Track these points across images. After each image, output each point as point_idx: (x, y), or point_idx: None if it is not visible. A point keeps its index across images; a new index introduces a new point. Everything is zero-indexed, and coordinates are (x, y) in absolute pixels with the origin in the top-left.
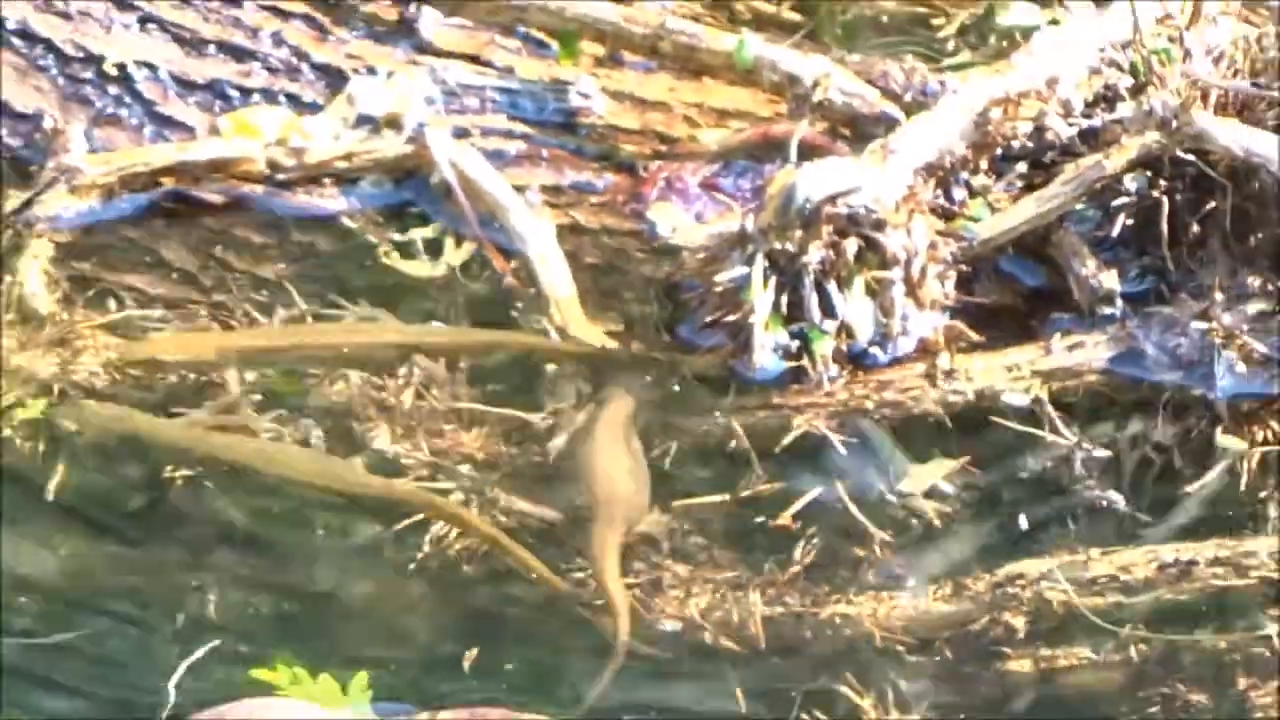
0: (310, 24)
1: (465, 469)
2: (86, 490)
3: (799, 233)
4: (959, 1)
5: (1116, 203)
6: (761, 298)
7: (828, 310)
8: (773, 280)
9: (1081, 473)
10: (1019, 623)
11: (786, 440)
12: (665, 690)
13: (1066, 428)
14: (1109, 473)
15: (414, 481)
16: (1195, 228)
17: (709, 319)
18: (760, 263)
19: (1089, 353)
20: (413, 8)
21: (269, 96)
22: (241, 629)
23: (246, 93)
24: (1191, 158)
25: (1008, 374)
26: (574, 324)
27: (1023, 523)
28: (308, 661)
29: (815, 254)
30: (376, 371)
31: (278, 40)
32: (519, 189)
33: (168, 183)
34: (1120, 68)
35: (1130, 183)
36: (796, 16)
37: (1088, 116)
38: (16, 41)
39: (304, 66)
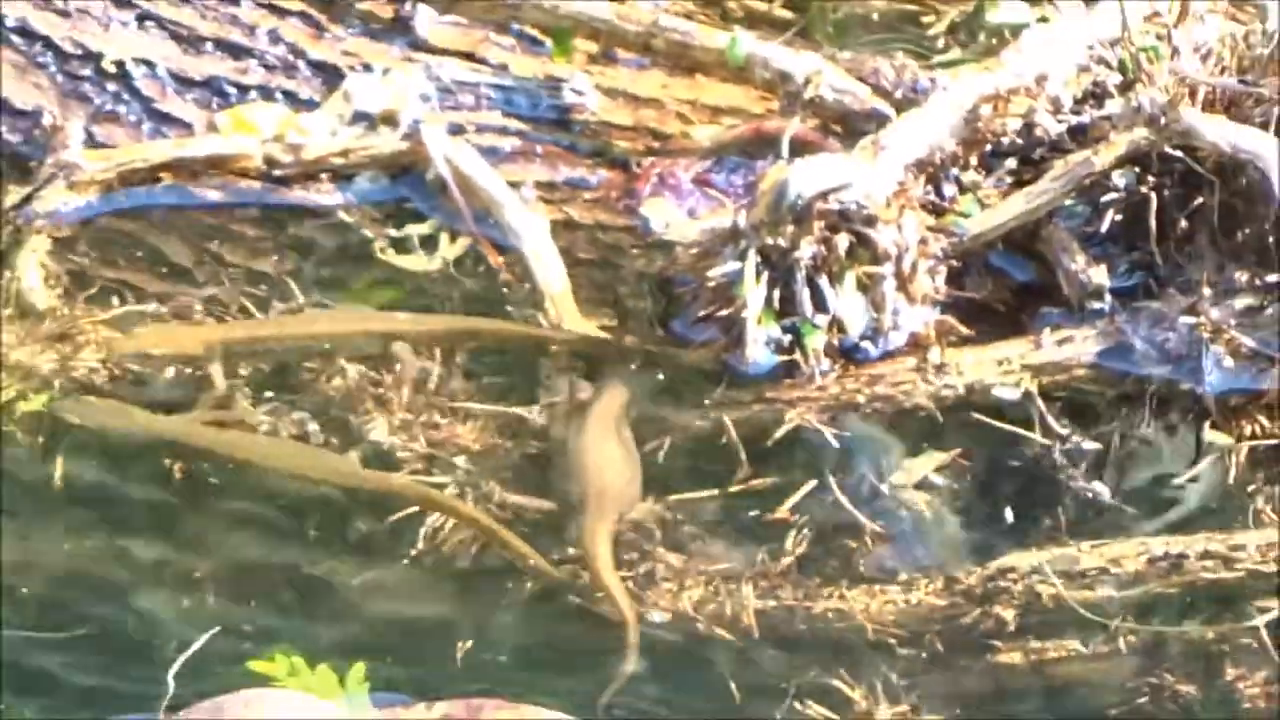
0: (307, 21)
1: (461, 461)
2: (86, 484)
3: (791, 228)
4: None
5: (1105, 199)
6: (754, 293)
7: (819, 305)
8: (765, 275)
9: (1071, 466)
10: (1009, 615)
11: (779, 434)
12: (659, 681)
13: (1056, 421)
14: (1098, 466)
15: (409, 475)
16: (1183, 223)
17: (702, 314)
18: (753, 258)
19: (1078, 347)
20: (408, 5)
21: (266, 93)
22: (240, 621)
23: (244, 89)
24: (1179, 154)
25: (998, 368)
26: (568, 319)
27: (1012, 516)
28: (305, 653)
29: (807, 249)
30: (365, 361)
31: (274, 38)
32: (513, 185)
33: (166, 178)
34: (1109, 65)
35: (1119, 179)
36: (788, 14)
37: (1077, 113)
38: (16, 39)
39: (300, 64)
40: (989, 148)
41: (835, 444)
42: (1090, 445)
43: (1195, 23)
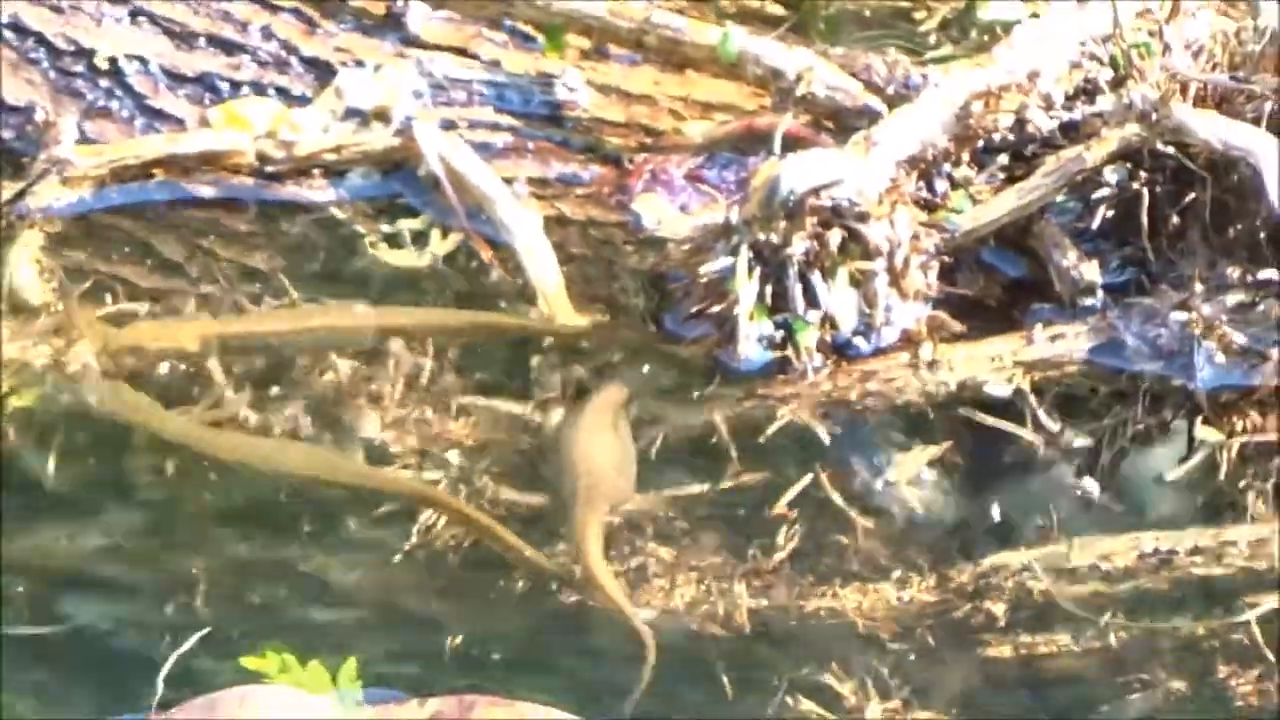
0: (299, 18)
1: (453, 456)
2: (81, 480)
3: (783, 224)
4: None
5: (1097, 195)
6: (746, 288)
7: (812, 301)
8: (757, 271)
9: (1062, 462)
10: (1000, 610)
11: (771, 430)
12: (651, 675)
13: (1048, 417)
14: (1089, 462)
15: (403, 469)
16: (1175, 219)
17: (694, 310)
18: (745, 254)
19: (1070, 343)
20: (400, 2)
21: (258, 89)
22: (232, 617)
23: (236, 85)
24: (1171, 150)
25: (990, 364)
26: (561, 314)
27: (1004, 512)
28: (297, 649)
29: (799, 245)
30: (357, 356)
31: (267, 34)
32: (506, 181)
33: (159, 174)
34: (1100, 61)
35: (1110, 175)
36: (780, 10)
37: (1068, 109)
38: (9, 35)
39: (293, 60)
40: (981, 144)
41: (827, 440)
42: (1082, 442)
43: (1186, 19)
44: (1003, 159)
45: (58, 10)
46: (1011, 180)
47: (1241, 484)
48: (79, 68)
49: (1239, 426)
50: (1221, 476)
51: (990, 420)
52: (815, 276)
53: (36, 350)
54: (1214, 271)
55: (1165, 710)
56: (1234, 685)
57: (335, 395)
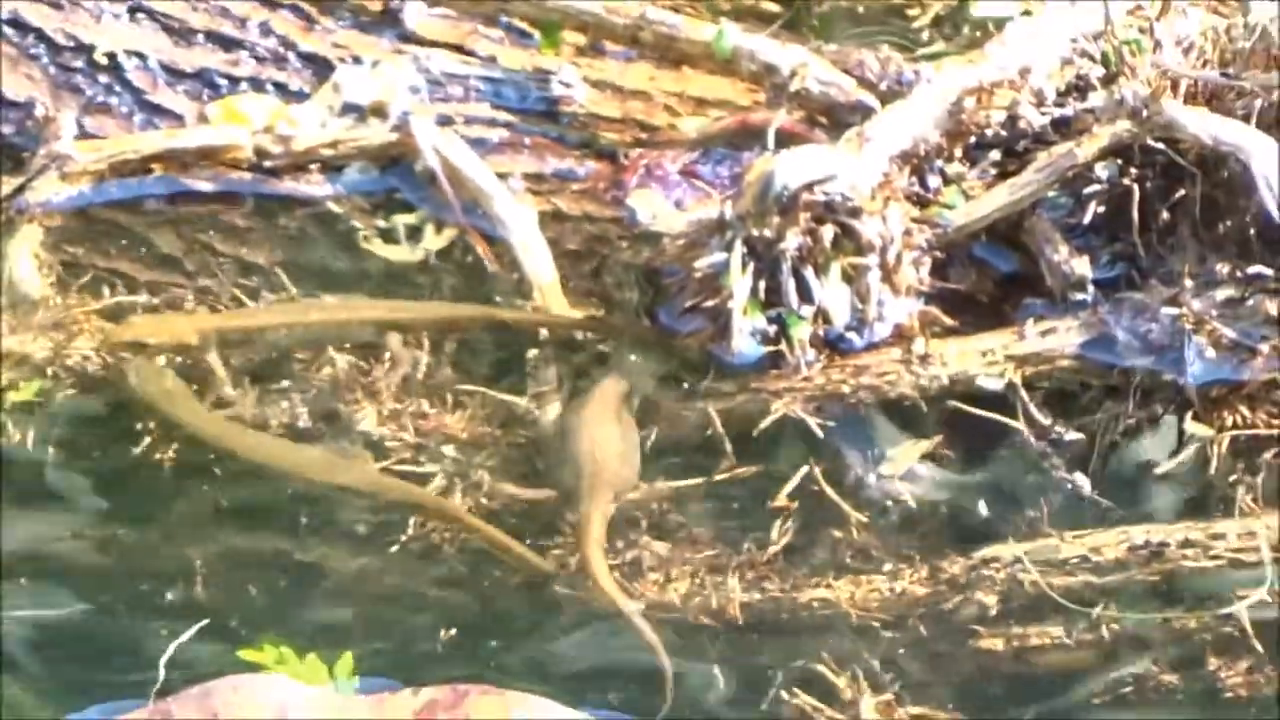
0: (297, 14)
1: (449, 450)
2: (81, 471)
3: (777, 219)
4: None
5: (1088, 190)
6: (740, 283)
7: (805, 296)
8: (751, 266)
9: (1054, 455)
10: (991, 601)
11: (765, 424)
12: (645, 667)
13: (1039, 411)
14: (1080, 456)
15: (399, 464)
16: (1165, 215)
17: (689, 304)
18: (739, 249)
19: (1061, 338)
20: None
21: (256, 85)
22: (230, 608)
23: (234, 81)
24: (1162, 146)
25: (982, 358)
26: (556, 309)
27: (996, 505)
28: (295, 640)
29: (793, 240)
30: (357, 350)
31: (265, 30)
32: (502, 176)
33: (157, 169)
34: (1092, 58)
35: (1101, 171)
36: (774, 7)
37: (1060, 105)
38: (9, 31)
39: (291, 56)
40: (973, 139)
41: (821, 434)
42: (1073, 435)
43: (1177, 16)
44: (995, 155)
45: (57, 6)
46: (1003, 176)
47: (1231, 478)
48: (79, 63)
49: (1229, 421)
50: (1212, 470)
51: (982, 413)
52: (808, 271)
53: (37, 344)
54: (1204, 267)
55: (1156, 701)
56: (1224, 677)
57: (332, 389)
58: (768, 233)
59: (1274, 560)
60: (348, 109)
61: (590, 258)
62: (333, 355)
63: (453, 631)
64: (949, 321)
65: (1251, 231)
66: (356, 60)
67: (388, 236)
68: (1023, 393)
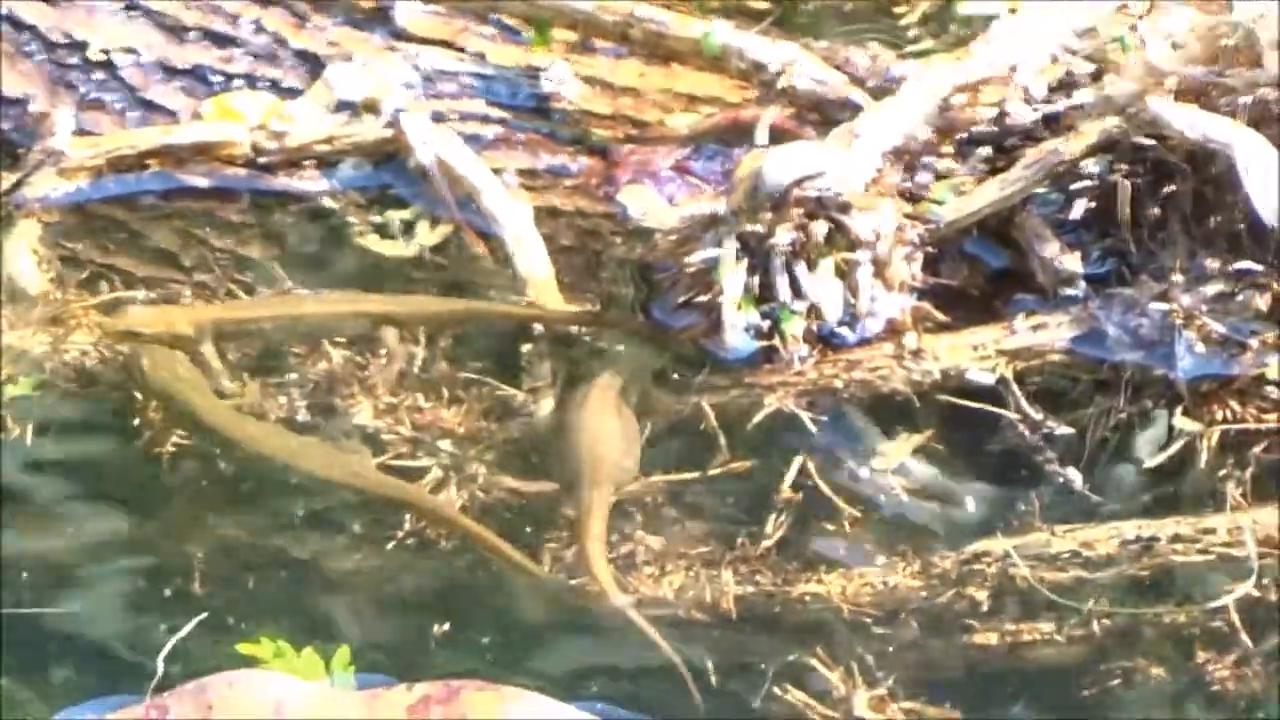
0: (290, 11)
1: (446, 444)
2: (79, 464)
3: (768, 215)
4: None
5: (1077, 186)
6: (732, 279)
7: (797, 291)
8: (743, 262)
9: (1045, 450)
10: (983, 596)
11: (758, 418)
12: (637, 660)
13: (1030, 406)
14: (1071, 450)
15: (395, 459)
16: (1155, 211)
17: (682, 299)
18: (731, 244)
19: (1052, 333)
20: None
21: (250, 82)
22: (227, 603)
23: (228, 78)
24: (1151, 142)
25: (973, 353)
26: (551, 304)
27: (987, 499)
28: (292, 634)
29: (784, 236)
30: (350, 344)
31: (258, 27)
32: (495, 172)
33: (153, 165)
34: (1080, 55)
35: (1091, 166)
36: (763, 4)
37: (1049, 102)
38: (5, 28)
39: (283, 53)
40: (963, 136)
41: (813, 428)
42: (1064, 430)
43: (1165, 13)
44: (984, 151)
45: (52, 4)
46: (993, 172)
47: (1221, 473)
48: (73, 60)
49: (1218, 415)
50: (1201, 465)
51: (974, 406)
52: (801, 267)
53: (35, 339)
54: (1194, 262)
55: (1146, 694)
56: (1213, 670)
57: (329, 383)
58: (759, 228)
59: (1261, 555)
60: (341, 105)
61: (584, 253)
62: (328, 349)
63: (447, 627)
64: (941, 316)
65: (1241, 227)
66: (349, 58)
67: (382, 232)
68: (1014, 387)
